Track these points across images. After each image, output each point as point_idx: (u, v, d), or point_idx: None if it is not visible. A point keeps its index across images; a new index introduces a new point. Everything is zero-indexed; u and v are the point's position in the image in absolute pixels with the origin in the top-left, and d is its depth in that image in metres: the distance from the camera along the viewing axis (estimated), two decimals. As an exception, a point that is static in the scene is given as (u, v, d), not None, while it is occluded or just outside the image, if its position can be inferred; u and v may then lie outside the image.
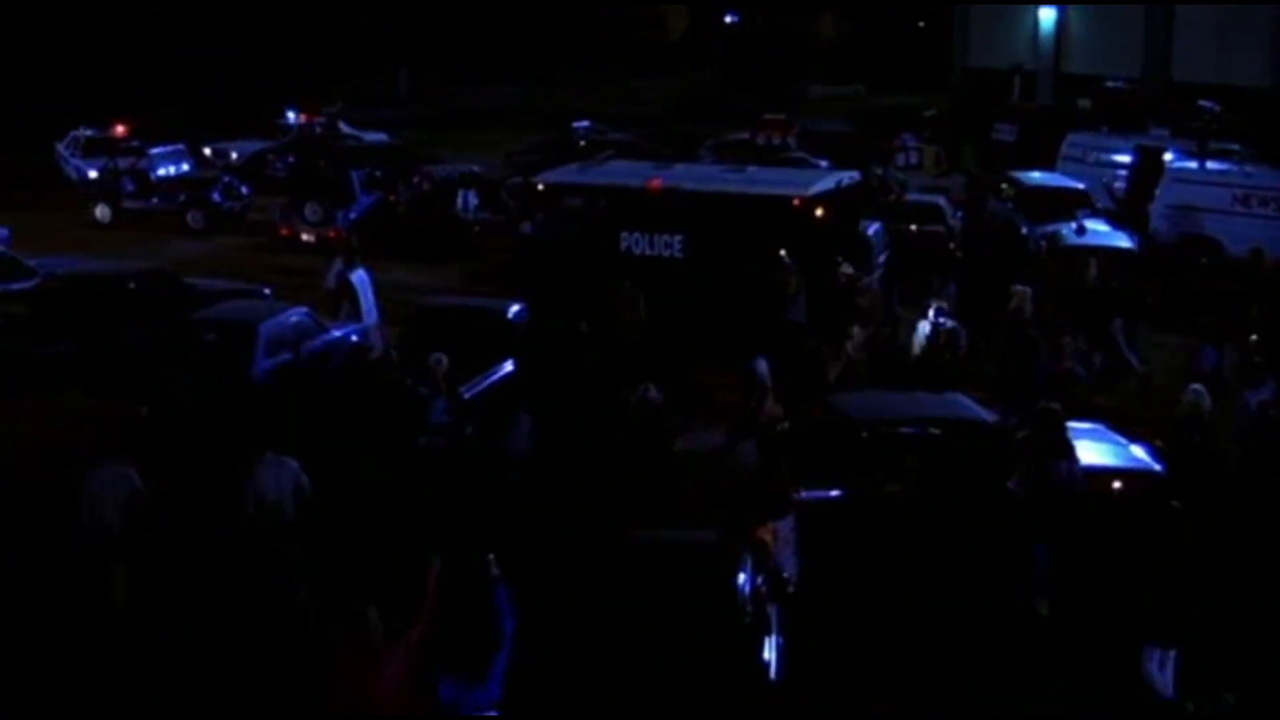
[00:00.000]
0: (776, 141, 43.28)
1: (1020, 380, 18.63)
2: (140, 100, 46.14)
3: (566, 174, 25.43)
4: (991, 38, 56.19)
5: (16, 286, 23.76)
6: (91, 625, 13.80)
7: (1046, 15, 53.64)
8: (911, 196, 32.90)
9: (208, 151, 42.23)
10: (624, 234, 22.93)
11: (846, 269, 22.05)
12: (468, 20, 62.89)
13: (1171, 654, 12.22)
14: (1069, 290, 23.01)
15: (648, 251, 22.96)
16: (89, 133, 40.99)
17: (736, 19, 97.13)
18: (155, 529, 14.78)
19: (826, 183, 23.72)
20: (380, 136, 46.57)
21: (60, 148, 41.57)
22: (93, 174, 37.85)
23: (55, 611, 13.91)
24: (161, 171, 36.69)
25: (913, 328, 21.45)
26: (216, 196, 35.25)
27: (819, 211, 22.39)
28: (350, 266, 23.06)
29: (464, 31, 62.71)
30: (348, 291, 22.73)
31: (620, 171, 25.39)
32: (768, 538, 13.84)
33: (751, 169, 25.77)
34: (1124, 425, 17.79)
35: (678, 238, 22.79)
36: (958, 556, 14.49)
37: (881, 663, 13.10)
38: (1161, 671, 12.20)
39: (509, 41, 63.91)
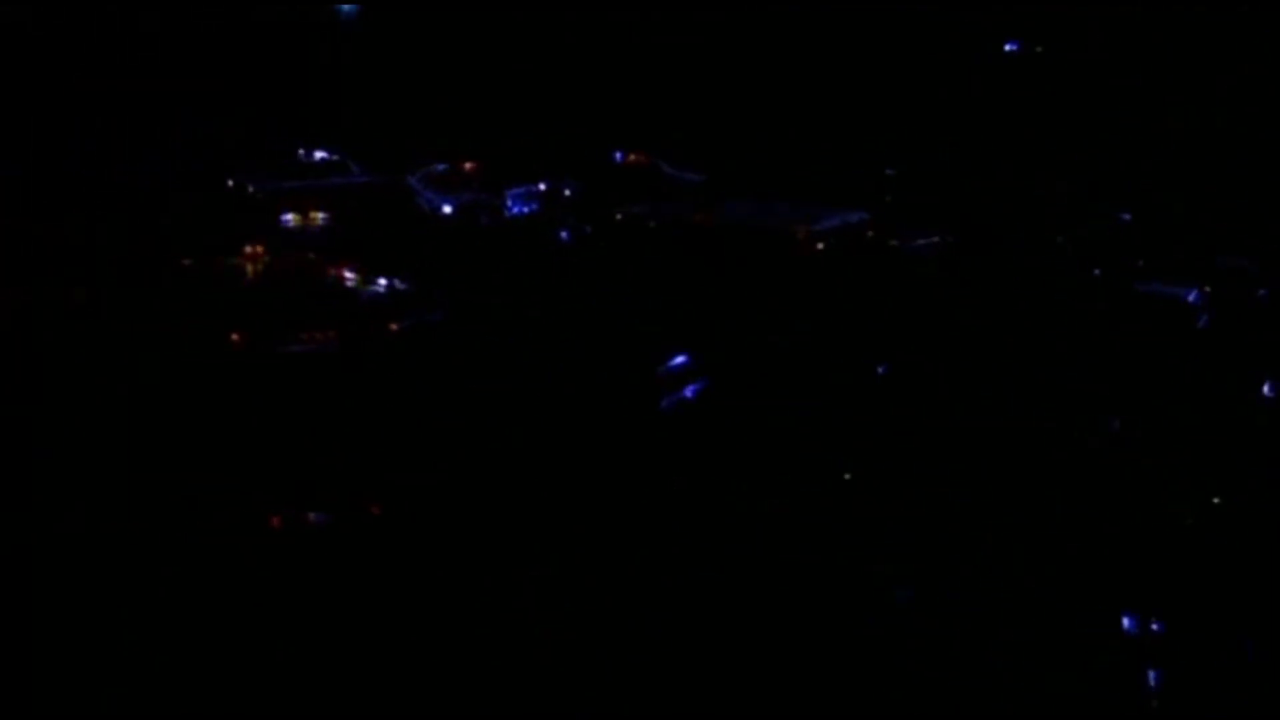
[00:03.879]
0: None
1: None
2: (477, 136, 49.79)
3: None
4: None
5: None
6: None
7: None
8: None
9: (541, 187, 45.66)
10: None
11: None
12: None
13: None
14: None
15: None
16: (442, 168, 44.87)
17: (1016, 48, 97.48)
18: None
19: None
20: (696, 177, 49.45)
21: (413, 180, 45.45)
22: (447, 209, 41.62)
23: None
24: (515, 210, 40.34)
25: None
26: (563, 235, 38.72)
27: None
28: None
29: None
30: None
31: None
32: None
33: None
34: None
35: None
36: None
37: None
38: None
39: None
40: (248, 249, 22.33)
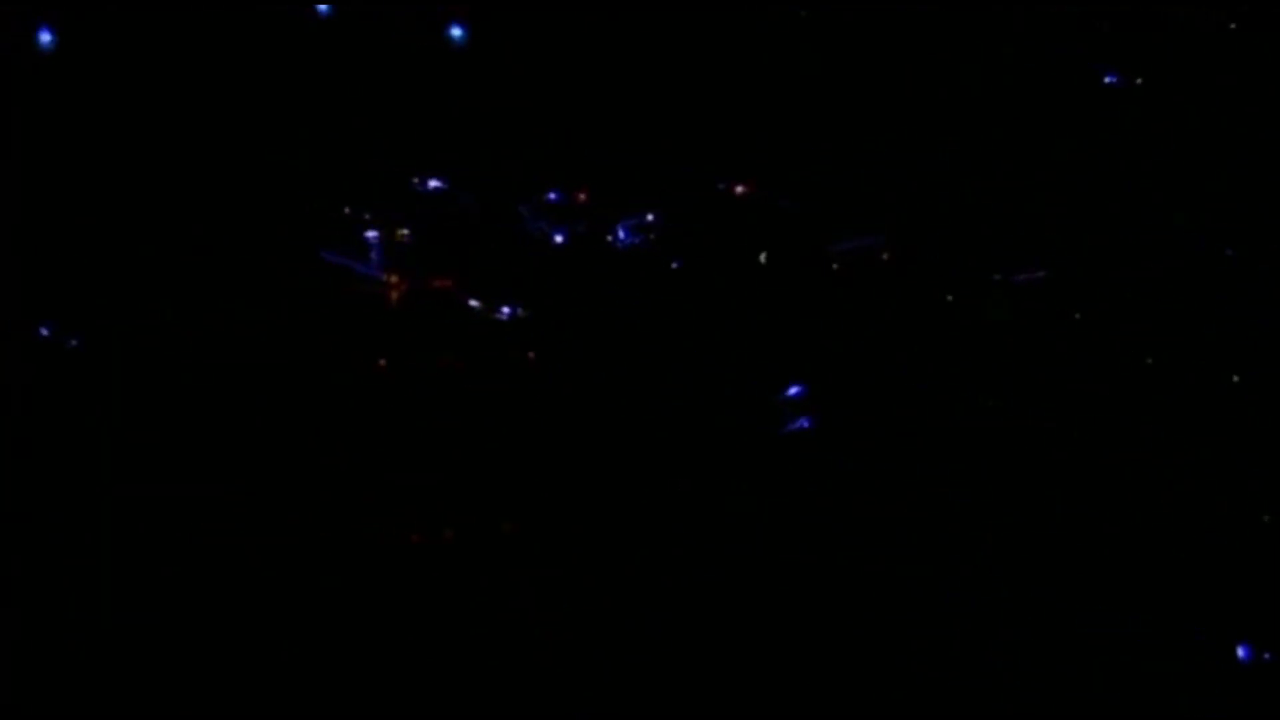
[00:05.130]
0: None
1: None
2: (588, 164, 51.16)
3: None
4: None
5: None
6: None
7: None
8: None
9: (650, 218, 46.90)
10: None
11: None
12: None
13: None
14: None
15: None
16: (552, 196, 46.10)
17: (1117, 81, 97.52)
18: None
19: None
20: (796, 205, 50.53)
21: (522, 208, 46.70)
22: (559, 238, 42.80)
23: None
24: (626, 239, 41.53)
25: None
26: (675, 265, 39.76)
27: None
28: None
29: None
30: None
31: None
32: None
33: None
34: None
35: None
36: None
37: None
38: None
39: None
40: (383, 275, 23.34)
